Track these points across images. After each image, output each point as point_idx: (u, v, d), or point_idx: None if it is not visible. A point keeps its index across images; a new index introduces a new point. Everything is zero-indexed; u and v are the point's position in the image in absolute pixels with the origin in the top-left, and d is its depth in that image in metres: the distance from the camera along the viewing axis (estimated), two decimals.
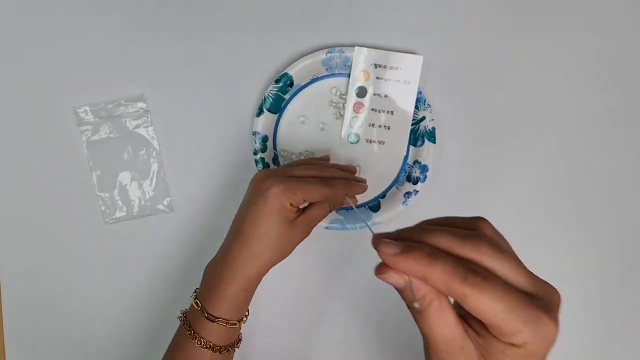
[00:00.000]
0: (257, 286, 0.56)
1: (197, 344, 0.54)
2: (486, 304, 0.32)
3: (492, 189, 0.67)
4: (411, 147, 0.67)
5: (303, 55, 0.66)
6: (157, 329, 0.67)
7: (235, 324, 0.55)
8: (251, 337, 0.59)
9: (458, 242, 0.34)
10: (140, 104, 0.67)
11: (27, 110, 0.67)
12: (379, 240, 0.35)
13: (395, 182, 0.67)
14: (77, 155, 0.67)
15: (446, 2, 0.68)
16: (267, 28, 0.68)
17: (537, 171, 0.67)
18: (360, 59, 0.66)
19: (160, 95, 0.68)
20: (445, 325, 0.34)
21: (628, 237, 0.67)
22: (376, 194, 0.67)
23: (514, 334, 0.32)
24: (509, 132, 0.67)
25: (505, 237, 0.58)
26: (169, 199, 0.67)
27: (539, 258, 0.67)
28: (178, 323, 0.57)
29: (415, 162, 0.66)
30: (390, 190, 0.67)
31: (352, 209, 0.66)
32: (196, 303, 0.56)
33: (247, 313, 0.59)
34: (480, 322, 0.33)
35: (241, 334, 0.58)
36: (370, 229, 0.40)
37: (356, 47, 0.66)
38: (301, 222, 0.56)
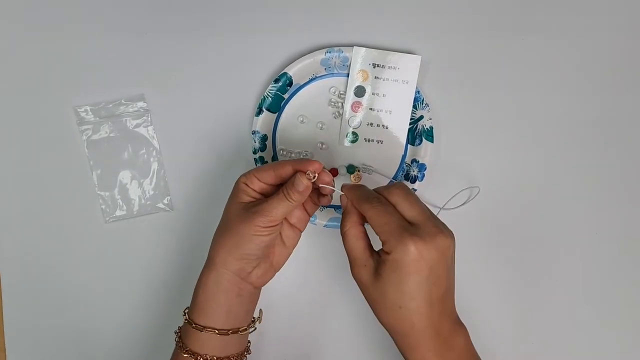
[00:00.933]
0: (241, 290, 0.55)
1: (190, 358, 0.53)
2: (372, 218, 0.51)
3: (490, 188, 0.67)
4: (409, 146, 0.67)
5: (302, 55, 0.67)
6: (157, 326, 0.68)
7: (226, 333, 0.54)
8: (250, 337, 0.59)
9: (382, 188, 0.54)
10: (141, 104, 0.68)
11: (27, 109, 0.68)
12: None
13: (394, 180, 0.67)
14: (78, 155, 0.67)
15: (445, 2, 0.69)
16: (266, 28, 0.69)
17: (535, 171, 0.68)
18: (359, 58, 0.66)
19: (161, 95, 0.68)
20: (357, 248, 0.52)
21: (631, 234, 0.68)
22: None
23: (386, 243, 0.49)
24: (507, 132, 0.68)
25: (504, 234, 0.66)
26: (168, 197, 0.68)
27: (539, 254, 0.68)
28: (178, 322, 0.57)
29: (413, 160, 0.67)
30: None
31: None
32: (184, 314, 0.56)
33: (253, 319, 0.58)
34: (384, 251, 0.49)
35: (250, 346, 0.58)
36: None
37: (355, 47, 0.66)
38: (256, 209, 0.53)
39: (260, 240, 0.53)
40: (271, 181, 0.55)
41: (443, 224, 0.51)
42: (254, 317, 0.58)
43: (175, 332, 0.56)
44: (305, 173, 0.53)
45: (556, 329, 0.67)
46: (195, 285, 0.56)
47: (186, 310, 0.56)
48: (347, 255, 0.53)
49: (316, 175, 0.53)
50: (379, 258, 0.51)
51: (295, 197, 0.53)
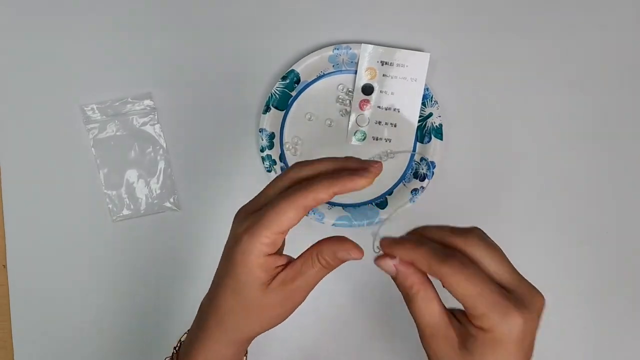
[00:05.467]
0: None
1: None
2: (460, 285, 0.36)
3: (499, 186, 0.67)
4: (418, 143, 0.67)
5: (310, 52, 0.66)
6: (163, 325, 0.67)
7: None
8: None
9: (449, 233, 0.40)
10: (147, 102, 0.67)
11: (34, 108, 0.68)
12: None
13: (403, 178, 0.67)
14: (85, 153, 0.67)
15: (452, 1, 0.68)
16: (273, 25, 0.68)
17: (544, 168, 0.67)
18: (367, 56, 0.66)
19: (167, 93, 0.68)
20: (430, 314, 0.39)
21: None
22: (383, 191, 0.67)
23: (481, 317, 0.36)
24: (516, 129, 0.67)
25: (511, 232, 0.58)
26: (175, 196, 0.67)
27: (545, 254, 0.68)
28: (185, 320, 0.56)
29: (422, 158, 0.66)
30: (397, 187, 0.67)
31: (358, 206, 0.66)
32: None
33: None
34: (464, 313, 0.38)
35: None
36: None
37: (362, 45, 0.66)
38: (294, 288, 0.42)
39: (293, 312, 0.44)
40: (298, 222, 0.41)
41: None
42: None
43: None
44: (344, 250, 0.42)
45: None
46: (188, 347, 0.46)
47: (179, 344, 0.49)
48: (416, 321, 0.40)
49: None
50: (461, 328, 0.39)
51: (337, 265, 0.43)
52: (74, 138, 0.67)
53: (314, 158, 0.43)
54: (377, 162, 0.42)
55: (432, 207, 0.66)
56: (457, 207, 0.66)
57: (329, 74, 0.67)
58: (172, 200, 0.67)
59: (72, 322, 0.67)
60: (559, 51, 0.68)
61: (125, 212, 0.67)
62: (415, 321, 0.40)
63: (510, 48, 0.68)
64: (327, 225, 0.65)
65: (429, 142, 0.66)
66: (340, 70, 0.67)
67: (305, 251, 0.43)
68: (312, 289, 0.43)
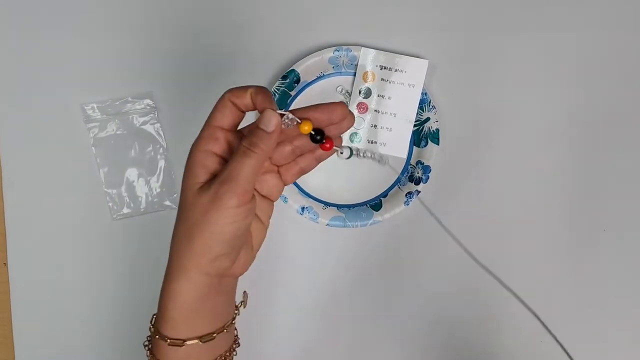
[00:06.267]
0: (222, 287, 0.46)
1: None
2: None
3: (494, 191, 0.68)
4: (415, 147, 0.68)
5: (310, 52, 0.67)
6: None
7: (211, 337, 0.45)
8: (251, 338, 0.59)
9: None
10: (147, 101, 0.68)
11: (35, 107, 0.68)
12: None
13: (398, 182, 0.68)
14: (85, 152, 0.68)
15: (454, 5, 0.68)
16: (275, 25, 0.68)
17: (541, 173, 0.68)
18: (366, 60, 0.66)
19: (167, 92, 0.68)
20: None
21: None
22: (378, 193, 0.68)
23: None
24: (513, 134, 0.68)
25: (509, 238, 0.66)
26: (175, 195, 0.68)
27: (543, 257, 0.69)
28: None
29: (418, 162, 0.67)
30: (393, 190, 0.68)
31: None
32: (153, 329, 0.46)
33: (236, 306, 0.50)
34: None
35: (238, 338, 0.51)
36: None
37: (363, 49, 0.66)
38: (220, 181, 0.41)
39: (236, 228, 0.41)
40: (244, 109, 0.44)
41: None
42: (236, 304, 0.51)
43: (145, 346, 0.48)
44: (273, 110, 0.42)
45: None
46: (160, 296, 0.46)
47: (153, 323, 0.47)
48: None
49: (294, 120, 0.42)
50: None
51: (263, 146, 0.41)
52: (75, 137, 0.68)
53: None
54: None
55: (427, 211, 0.67)
56: (452, 210, 0.67)
57: (329, 75, 0.68)
58: (172, 198, 0.68)
59: (72, 320, 0.68)
60: (557, 58, 0.68)
61: (126, 210, 0.68)
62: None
63: (510, 55, 0.68)
64: (321, 224, 0.66)
65: (425, 146, 0.67)
66: (340, 72, 0.68)
67: None
68: (245, 190, 0.41)
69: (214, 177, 0.42)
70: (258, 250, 0.48)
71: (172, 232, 0.44)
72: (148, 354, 0.47)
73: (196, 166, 0.43)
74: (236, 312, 0.50)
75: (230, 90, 0.43)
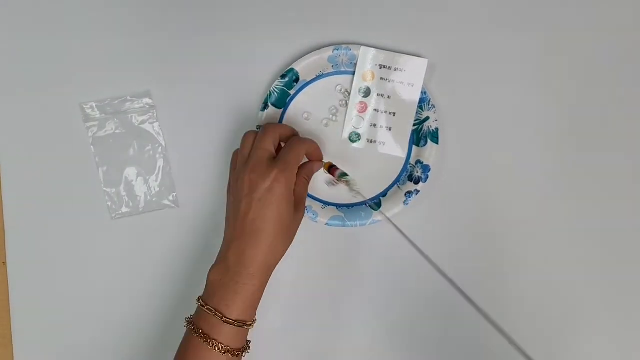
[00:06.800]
0: (267, 283, 0.58)
1: (216, 349, 0.53)
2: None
3: (494, 190, 0.68)
4: (414, 147, 0.67)
5: (310, 51, 0.66)
6: (162, 323, 0.69)
7: (250, 325, 0.56)
8: (251, 338, 0.60)
9: None
10: (146, 100, 0.68)
11: (34, 106, 0.68)
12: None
13: (397, 181, 0.67)
14: (84, 151, 0.68)
15: (454, 4, 0.68)
16: (274, 24, 0.68)
17: (541, 172, 0.68)
18: (366, 59, 0.66)
19: (166, 91, 0.68)
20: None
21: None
22: (377, 192, 0.68)
23: None
24: (512, 134, 0.68)
25: (508, 236, 0.68)
26: (174, 194, 0.68)
27: (543, 258, 0.68)
28: (183, 317, 0.58)
29: (418, 162, 0.67)
30: (392, 189, 0.67)
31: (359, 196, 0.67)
32: (209, 309, 0.55)
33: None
34: None
35: (249, 341, 0.58)
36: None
37: (362, 47, 0.66)
38: (297, 202, 0.59)
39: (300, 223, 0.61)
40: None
41: None
42: None
43: (187, 319, 0.57)
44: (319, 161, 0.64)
45: None
46: (226, 282, 0.55)
47: (201, 301, 0.56)
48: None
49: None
50: None
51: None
52: (74, 136, 0.68)
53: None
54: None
55: (426, 210, 0.67)
56: (451, 210, 0.67)
57: (328, 74, 0.67)
58: (170, 197, 0.68)
59: (72, 320, 0.68)
60: (558, 59, 0.68)
61: (124, 209, 0.68)
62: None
63: (510, 55, 0.68)
64: (321, 224, 0.66)
65: (424, 145, 0.66)
66: (340, 71, 0.67)
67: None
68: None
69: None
70: None
71: (262, 238, 0.56)
72: (191, 327, 0.55)
73: (290, 194, 0.57)
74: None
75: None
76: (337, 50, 0.66)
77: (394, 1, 0.68)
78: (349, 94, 0.67)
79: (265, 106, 0.67)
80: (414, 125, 0.67)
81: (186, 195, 0.69)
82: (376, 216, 0.66)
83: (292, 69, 0.66)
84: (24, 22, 0.68)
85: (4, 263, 0.67)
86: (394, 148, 0.67)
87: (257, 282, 0.55)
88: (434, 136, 0.66)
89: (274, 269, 0.57)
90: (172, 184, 0.68)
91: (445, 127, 0.67)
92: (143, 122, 0.68)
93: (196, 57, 0.68)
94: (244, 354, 0.57)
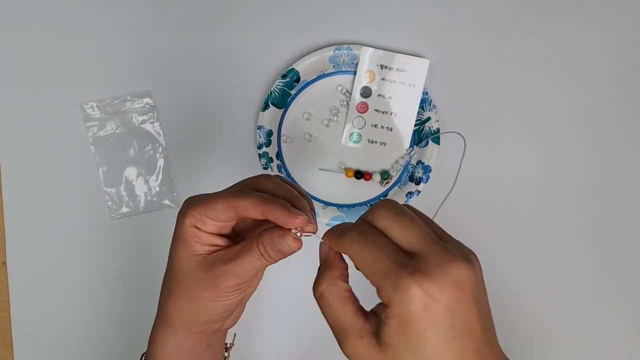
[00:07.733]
0: (210, 342, 0.46)
1: None
2: (357, 256, 0.35)
3: (495, 190, 0.68)
4: (415, 147, 0.67)
5: (311, 51, 0.66)
6: None
7: (229, 349, 0.50)
8: (250, 340, 0.59)
9: (366, 211, 0.37)
10: (146, 100, 0.68)
11: (34, 106, 0.68)
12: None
13: (398, 181, 0.67)
14: (84, 151, 0.68)
15: (455, 4, 0.68)
16: (275, 24, 0.68)
17: (542, 174, 0.68)
18: (367, 59, 0.66)
19: (166, 91, 0.68)
20: (341, 314, 0.37)
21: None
22: (378, 193, 0.68)
23: (378, 290, 0.34)
24: (513, 134, 0.68)
25: (508, 236, 0.64)
26: (174, 194, 0.68)
27: (543, 258, 0.69)
28: None
29: (419, 162, 0.67)
30: (393, 190, 0.67)
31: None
32: None
33: (226, 346, 0.51)
34: (382, 305, 0.34)
35: (230, 344, 0.53)
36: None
37: (363, 47, 0.66)
38: (221, 271, 0.41)
39: (229, 303, 0.42)
40: (230, 220, 0.41)
41: (457, 243, 0.36)
42: (226, 345, 0.51)
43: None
44: (289, 231, 0.40)
45: None
46: (148, 343, 0.48)
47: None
48: (332, 327, 0.38)
49: (301, 232, 0.41)
50: (376, 319, 0.35)
51: (277, 258, 0.41)
52: (74, 136, 0.68)
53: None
54: (314, 225, 0.41)
55: (427, 210, 0.67)
56: (453, 211, 0.67)
57: (329, 74, 0.67)
58: (171, 197, 0.68)
59: (71, 319, 0.68)
60: (559, 57, 0.68)
61: (125, 209, 0.68)
62: (331, 328, 0.38)
63: (511, 54, 0.68)
64: (321, 224, 0.66)
65: (425, 146, 0.66)
66: (341, 71, 0.67)
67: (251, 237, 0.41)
68: (245, 281, 0.41)
69: (211, 249, 0.42)
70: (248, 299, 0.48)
71: (162, 283, 0.45)
72: None
73: (192, 240, 0.42)
74: (226, 354, 0.51)
75: (240, 197, 0.40)
76: (338, 50, 0.66)
77: (396, 1, 0.68)
78: (350, 94, 0.67)
79: (266, 106, 0.66)
80: (415, 125, 0.67)
81: (186, 195, 0.67)
82: None
83: (293, 69, 0.66)
84: (24, 22, 0.68)
85: (4, 263, 0.67)
86: (394, 148, 0.67)
87: (177, 337, 0.45)
88: (435, 136, 0.66)
89: (183, 325, 0.45)
90: (172, 184, 0.68)
91: (447, 127, 0.67)
92: (143, 122, 0.68)
93: (196, 57, 0.68)
94: (230, 350, 0.53)
